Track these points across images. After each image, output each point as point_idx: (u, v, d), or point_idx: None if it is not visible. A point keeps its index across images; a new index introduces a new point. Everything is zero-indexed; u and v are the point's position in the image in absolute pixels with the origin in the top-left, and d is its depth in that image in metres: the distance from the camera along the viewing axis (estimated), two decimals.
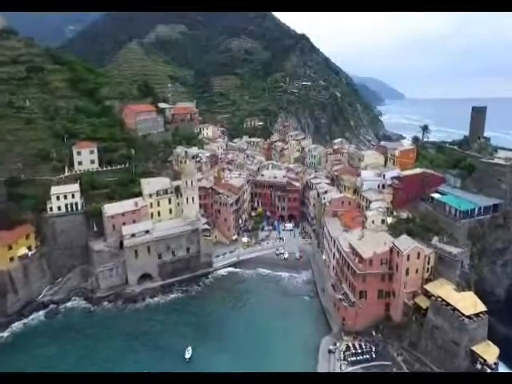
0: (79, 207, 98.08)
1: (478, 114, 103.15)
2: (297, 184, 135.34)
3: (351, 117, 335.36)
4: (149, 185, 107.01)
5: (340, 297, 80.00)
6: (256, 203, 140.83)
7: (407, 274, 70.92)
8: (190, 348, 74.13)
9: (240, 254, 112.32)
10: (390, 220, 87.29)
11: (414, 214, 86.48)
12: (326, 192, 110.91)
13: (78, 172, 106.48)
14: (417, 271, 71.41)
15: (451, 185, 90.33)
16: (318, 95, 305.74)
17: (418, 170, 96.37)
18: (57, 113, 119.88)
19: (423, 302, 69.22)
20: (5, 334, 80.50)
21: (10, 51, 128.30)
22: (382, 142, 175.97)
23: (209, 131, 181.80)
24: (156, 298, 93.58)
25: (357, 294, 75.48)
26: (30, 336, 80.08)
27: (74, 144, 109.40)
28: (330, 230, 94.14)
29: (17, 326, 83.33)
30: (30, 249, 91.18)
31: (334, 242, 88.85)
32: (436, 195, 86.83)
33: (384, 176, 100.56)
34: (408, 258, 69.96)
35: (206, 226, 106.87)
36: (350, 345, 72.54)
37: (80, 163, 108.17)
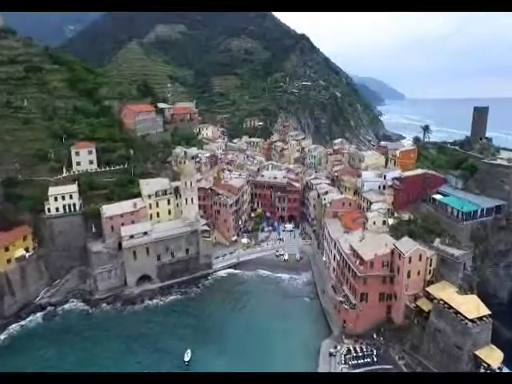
0: (77, 208, 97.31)
1: (480, 115, 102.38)
2: (297, 185, 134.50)
3: (351, 117, 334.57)
4: (148, 185, 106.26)
5: (341, 299, 79.17)
6: (256, 204, 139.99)
7: (409, 276, 70.07)
8: (189, 351, 73.36)
9: (240, 255, 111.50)
10: (391, 221, 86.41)
11: (416, 215, 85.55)
12: (326, 193, 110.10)
13: (77, 172, 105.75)
14: (418, 273, 70.56)
15: (453, 186, 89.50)
16: (318, 95, 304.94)
17: (419, 171, 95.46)
18: (55, 113, 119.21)
19: (425, 304, 68.39)
20: (2, 337, 79.76)
21: (8, 51, 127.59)
22: (383, 142, 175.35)
23: (208, 131, 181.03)
24: (155, 300, 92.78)
25: (358, 296, 74.65)
26: (27, 338, 79.30)
27: (72, 144, 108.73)
28: (331, 231, 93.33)
29: (14, 328, 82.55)
30: (27, 250, 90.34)
31: (335, 243, 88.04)
32: (438, 196, 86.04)
33: (385, 177, 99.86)
34: (410, 260, 69.09)
35: (206, 227, 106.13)
36: (351, 348, 71.76)
37: (78, 164, 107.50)
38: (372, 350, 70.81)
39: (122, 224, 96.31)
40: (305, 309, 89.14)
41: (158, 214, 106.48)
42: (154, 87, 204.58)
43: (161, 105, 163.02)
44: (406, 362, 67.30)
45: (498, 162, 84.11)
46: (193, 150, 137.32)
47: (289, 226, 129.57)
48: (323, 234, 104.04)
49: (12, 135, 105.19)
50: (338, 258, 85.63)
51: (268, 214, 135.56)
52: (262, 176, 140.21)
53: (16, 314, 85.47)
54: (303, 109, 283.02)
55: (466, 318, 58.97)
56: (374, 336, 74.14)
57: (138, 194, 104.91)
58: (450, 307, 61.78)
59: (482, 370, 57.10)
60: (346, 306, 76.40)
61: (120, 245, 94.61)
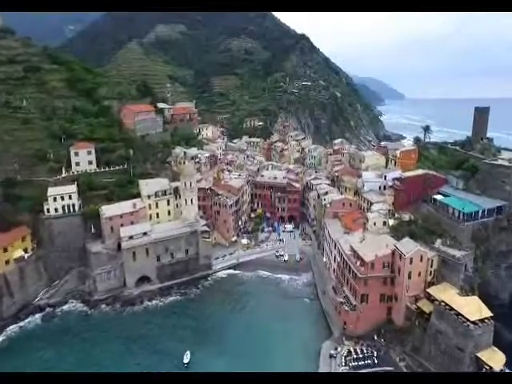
0: (76, 209, 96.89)
1: (481, 115, 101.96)
2: (297, 185, 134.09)
3: (351, 117, 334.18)
4: (147, 186, 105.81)
5: (341, 300, 78.77)
6: (256, 204, 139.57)
7: (410, 277, 69.68)
8: (188, 352, 72.99)
9: (239, 255, 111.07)
10: (391, 222, 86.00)
11: (416, 215, 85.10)
12: (326, 193, 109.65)
13: (76, 173, 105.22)
14: (419, 275, 70.15)
15: (454, 186, 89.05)
16: (318, 95, 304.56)
17: (419, 171, 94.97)
18: (54, 113, 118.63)
19: (426, 306, 67.96)
20: (0, 338, 79.28)
21: (6, 51, 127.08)
22: (383, 143, 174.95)
23: (208, 131, 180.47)
24: (154, 301, 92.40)
25: (358, 297, 74.22)
26: (26, 340, 78.90)
27: (71, 145, 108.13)
28: (331, 232, 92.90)
29: (12, 329, 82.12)
30: (26, 251, 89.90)
31: (335, 244, 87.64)
32: (438, 197, 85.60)
33: (385, 177, 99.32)
34: (411, 261, 68.69)
35: (205, 228, 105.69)
36: (352, 349, 71.44)
37: (77, 164, 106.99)
38: (372, 352, 70.45)
39: (122, 225, 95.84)
40: (305, 310, 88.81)
41: (157, 214, 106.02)
42: (153, 87, 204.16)
43: (160, 105, 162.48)
44: (406, 364, 66.95)
45: (499, 162, 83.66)
46: (192, 151, 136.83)
47: (289, 227, 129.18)
48: (323, 235, 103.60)
49: (11, 135, 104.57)
50: (339, 258, 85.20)
51: (268, 215, 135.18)
52: (262, 176, 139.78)
53: (14, 316, 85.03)
54: (303, 109, 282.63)
55: (468, 319, 58.52)
56: (375, 337, 73.76)
57: (138, 195, 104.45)
58: (452, 309, 61.34)
59: None
60: (347, 308, 75.98)
61: (119, 245, 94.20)
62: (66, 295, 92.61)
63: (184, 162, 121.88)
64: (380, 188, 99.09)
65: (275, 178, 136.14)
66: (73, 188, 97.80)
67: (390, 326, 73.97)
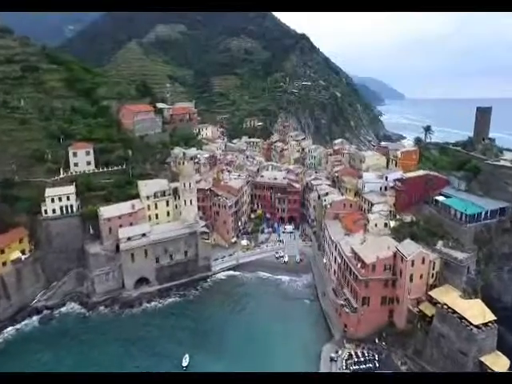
0: (75, 209, 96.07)
1: (483, 115, 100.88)
2: (297, 185, 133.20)
3: (351, 117, 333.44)
4: (146, 187, 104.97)
5: (342, 302, 77.87)
6: (255, 205, 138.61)
7: (411, 279, 68.86)
8: (187, 355, 72.11)
9: (239, 257, 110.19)
10: (392, 223, 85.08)
11: (418, 217, 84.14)
12: (326, 194, 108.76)
13: (74, 173, 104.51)
14: (421, 277, 69.30)
15: (456, 187, 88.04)
16: (318, 95, 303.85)
17: (421, 172, 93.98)
18: (52, 113, 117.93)
19: (428, 308, 67.08)
20: None
21: (4, 50, 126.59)
22: (383, 143, 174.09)
23: (208, 132, 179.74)
24: (153, 303, 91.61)
25: (359, 300, 73.33)
26: (23, 342, 78.01)
27: (69, 145, 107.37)
28: (331, 233, 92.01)
29: (9, 332, 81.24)
30: (23, 253, 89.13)
31: (335, 245, 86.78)
32: (440, 198, 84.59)
33: (386, 178, 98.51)
34: (412, 264, 67.87)
35: (205, 229, 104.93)
36: (353, 353, 70.52)
37: (76, 164, 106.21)
38: (374, 355, 69.64)
39: (120, 226, 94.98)
40: (305, 311, 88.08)
41: (156, 215, 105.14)
42: (153, 87, 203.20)
43: (160, 105, 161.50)
44: (408, 368, 66.14)
45: (502, 163, 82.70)
46: (192, 151, 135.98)
47: (289, 228, 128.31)
48: (323, 236, 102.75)
49: (8, 136, 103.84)
50: (339, 260, 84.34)
51: (268, 216, 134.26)
52: (262, 177, 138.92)
53: (11, 318, 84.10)
54: (303, 109, 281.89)
55: (471, 323, 57.60)
56: (376, 341, 72.87)
57: (137, 196, 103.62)
58: (454, 312, 60.40)
59: None
60: (347, 310, 75.12)
61: (118, 247, 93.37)
62: (63, 297, 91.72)
63: (183, 163, 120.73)
64: (381, 189, 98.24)
65: (275, 178, 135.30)
66: (71, 189, 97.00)
67: (391, 329, 73.09)
